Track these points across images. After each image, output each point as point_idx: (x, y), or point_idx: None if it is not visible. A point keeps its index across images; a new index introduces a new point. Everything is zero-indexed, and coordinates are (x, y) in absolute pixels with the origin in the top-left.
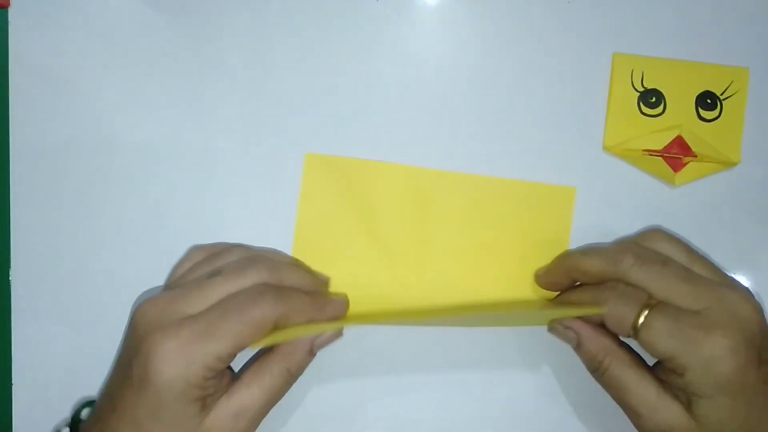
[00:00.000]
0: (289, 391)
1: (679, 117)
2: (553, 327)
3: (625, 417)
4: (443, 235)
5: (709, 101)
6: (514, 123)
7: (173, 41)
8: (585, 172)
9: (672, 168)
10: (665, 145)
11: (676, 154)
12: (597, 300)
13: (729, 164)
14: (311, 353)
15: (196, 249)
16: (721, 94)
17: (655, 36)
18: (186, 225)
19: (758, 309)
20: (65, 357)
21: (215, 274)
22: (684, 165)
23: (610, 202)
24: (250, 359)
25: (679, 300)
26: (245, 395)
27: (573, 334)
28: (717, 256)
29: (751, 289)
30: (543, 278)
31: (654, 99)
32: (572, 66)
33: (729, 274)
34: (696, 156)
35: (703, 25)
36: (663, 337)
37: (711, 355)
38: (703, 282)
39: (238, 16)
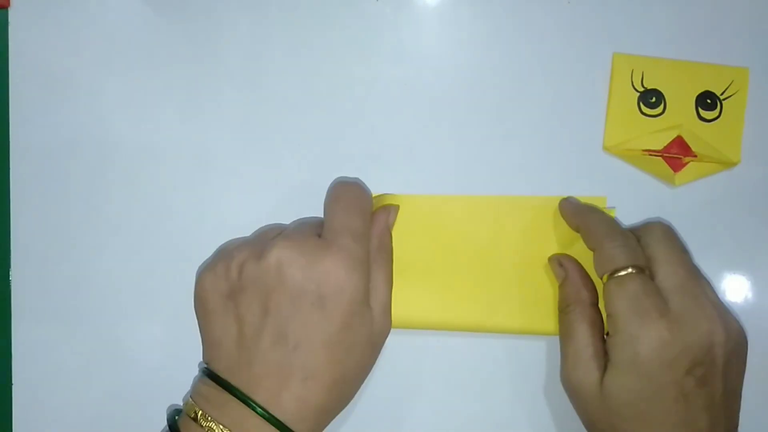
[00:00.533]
0: None
1: (679, 117)
2: (551, 258)
3: None
4: (480, 258)
5: (709, 101)
6: (514, 123)
7: (173, 41)
8: (585, 172)
9: (672, 168)
10: (665, 145)
11: (676, 154)
12: (604, 233)
13: (729, 164)
14: (390, 232)
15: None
16: (721, 94)
17: (655, 36)
18: (186, 225)
19: (727, 340)
20: (65, 357)
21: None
22: (684, 165)
23: (610, 202)
24: None
25: (667, 281)
26: (378, 293)
27: (562, 272)
28: (717, 256)
29: (751, 298)
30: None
31: (654, 99)
32: (572, 66)
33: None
34: (696, 156)
35: (703, 25)
36: (621, 299)
37: (643, 335)
38: (700, 286)
39: (237, 15)
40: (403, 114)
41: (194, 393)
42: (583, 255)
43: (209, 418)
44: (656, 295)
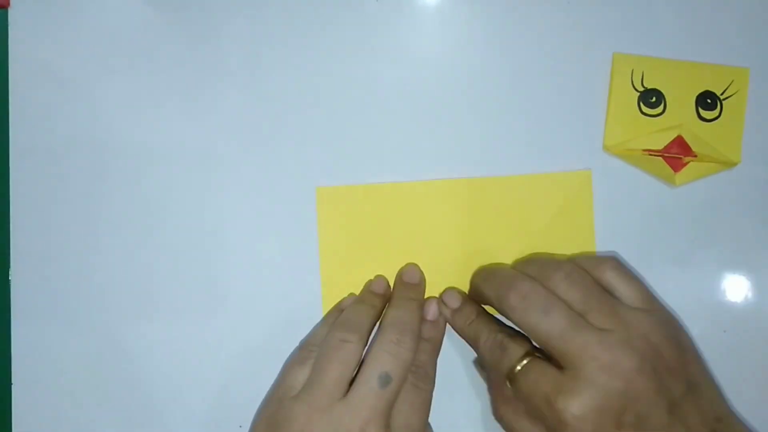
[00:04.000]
0: None
1: (679, 117)
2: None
3: None
4: (467, 241)
5: (709, 101)
6: (514, 123)
7: (173, 41)
8: None
9: (672, 168)
10: (665, 145)
11: (676, 154)
12: (482, 346)
13: (729, 164)
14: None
15: (315, 348)
16: (721, 94)
17: (655, 36)
18: (186, 225)
19: (642, 361)
20: (65, 357)
21: (387, 381)
22: (684, 165)
23: (611, 202)
24: None
25: (551, 353)
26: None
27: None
28: (717, 256)
29: (752, 298)
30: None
31: (654, 99)
32: (572, 66)
33: (651, 302)
34: (696, 156)
35: (703, 25)
36: (525, 396)
37: (559, 420)
38: (579, 337)
39: (237, 15)
40: (403, 114)
41: None
42: (554, 229)
43: None
44: (551, 376)
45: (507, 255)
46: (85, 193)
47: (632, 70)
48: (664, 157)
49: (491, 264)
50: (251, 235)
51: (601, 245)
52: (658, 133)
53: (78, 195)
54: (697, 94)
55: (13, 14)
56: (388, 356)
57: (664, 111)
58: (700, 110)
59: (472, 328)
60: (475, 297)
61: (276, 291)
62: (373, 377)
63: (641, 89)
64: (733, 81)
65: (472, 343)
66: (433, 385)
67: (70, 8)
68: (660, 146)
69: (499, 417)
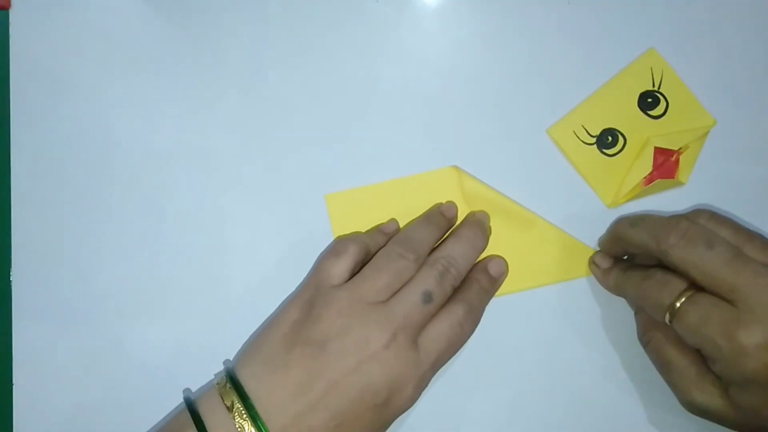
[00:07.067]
0: None
1: (640, 134)
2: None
3: (624, 425)
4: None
5: (650, 100)
6: (514, 123)
7: (173, 41)
8: None
9: (671, 175)
10: (651, 165)
11: (665, 162)
12: (639, 287)
13: (707, 128)
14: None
15: (351, 244)
16: (653, 86)
17: (656, 34)
18: (186, 225)
19: None
20: (65, 357)
21: (429, 299)
22: (677, 162)
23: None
24: None
25: (717, 287)
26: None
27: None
28: None
29: None
30: (601, 245)
31: (610, 138)
32: (572, 66)
33: None
34: (680, 149)
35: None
36: (693, 328)
37: (739, 351)
38: (747, 268)
39: (238, 15)
40: (402, 114)
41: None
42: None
43: (245, 416)
44: (720, 306)
45: (515, 228)
46: (85, 193)
47: (573, 131)
48: (660, 175)
49: (633, 214)
50: (251, 235)
51: None
52: (637, 162)
53: (78, 195)
54: (636, 103)
55: (14, 15)
56: (434, 280)
57: (625, 141)
58: (650, 113)
59: (626, 279)
60: (616, 246)
61: (275, 292)
62: (418, 291)
63: (592, 141)
64: (651, 67)
65: (628, 292)
66: (472, 333)
67: (70, 9)
68: (647, 171)
69: (645, 341)
